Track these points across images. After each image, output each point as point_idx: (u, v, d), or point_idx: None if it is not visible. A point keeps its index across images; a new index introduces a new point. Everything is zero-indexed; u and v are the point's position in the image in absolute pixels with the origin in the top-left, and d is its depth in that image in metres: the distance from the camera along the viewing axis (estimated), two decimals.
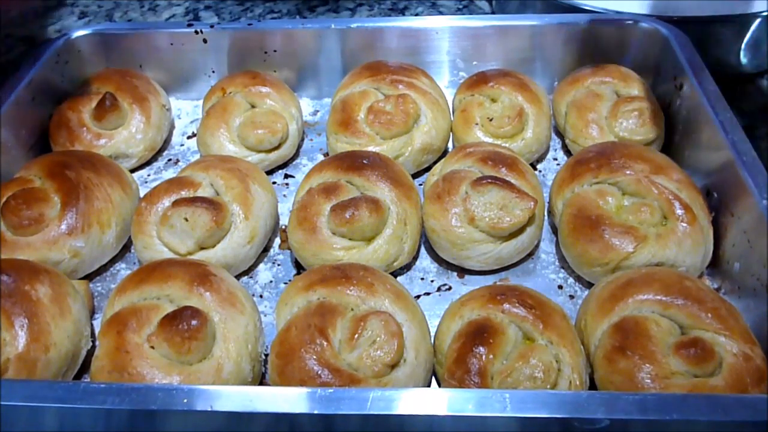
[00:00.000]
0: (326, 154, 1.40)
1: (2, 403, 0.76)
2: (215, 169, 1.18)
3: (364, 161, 1.17)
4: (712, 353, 0.86)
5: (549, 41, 1.46)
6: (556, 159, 1.39)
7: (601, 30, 1.43)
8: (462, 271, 1.16)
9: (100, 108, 1.33)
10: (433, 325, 1.01)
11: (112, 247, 1.17)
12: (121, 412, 0.76)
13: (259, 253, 1.17)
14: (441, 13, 1.93)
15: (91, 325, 1.04)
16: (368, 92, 1.35)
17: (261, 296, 1.14)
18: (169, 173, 1.38)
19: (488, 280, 1.14)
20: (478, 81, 1.36)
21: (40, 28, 1.86)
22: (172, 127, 1.50)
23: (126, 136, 1.35)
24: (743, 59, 1.52)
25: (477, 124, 1.30)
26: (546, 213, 1.22)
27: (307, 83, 1.55)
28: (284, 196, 1.33)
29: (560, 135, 1.41)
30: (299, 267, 1.18)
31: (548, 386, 0.86)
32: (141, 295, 0.97)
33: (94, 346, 1.00)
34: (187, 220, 1.08)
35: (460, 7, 1.96)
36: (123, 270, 1.19)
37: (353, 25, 1.47)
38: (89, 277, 1.16)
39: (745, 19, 1.45)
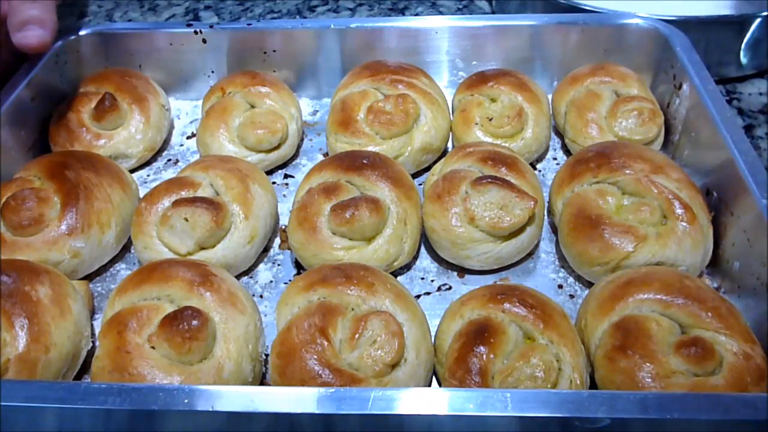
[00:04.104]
0: (326, 154, 1.40)
1: (3, 403, 0.76)
2: (215, 169, 1.18)
3: (364, 161, 1.17)
4: (713, 352, 0.87)
5: (549, 41, 1.46)
6: (555, 159, 1.39)
7: (600, 30, 1.44)
8: (462, 271, 1.16)
9: (99, 108, 1.33)
10: (433, 324, 1.01)
11: (112, 248, 1.17)
12: (122, 413, 0.76)
13: (259, 253, 1.17)
14: (441, 13, 1.93)
15: (92, 325, 1.04)
16: (368, 92, 1.35)
17: (261, 296, 1.14)
18: (169, 173, 1.38)
19: (488, 280, 1.14)
20: (478, 81, 1.37)
21: None
22: (171, 127, 1.50)
23: (125, 136, 1.35)
24: (743, 59, 1.52)
25: (477, 123, 1.30)
26: (546, 212, 1.22)
27: (307, 83, 1.55)
28: (284, 196, 1.33)
29: (560, 135, 1.41)
30: (299, 267, 1.18)
31: (549, 385, 0.86)
32: (141, 295, 0.97)
33: (94, 347, 1.00)
34: (187, 220, 1.08)
35: (460, 7, 1.96)
36: (123, 270, 1.19)
37: (353, 25, 1.47)
38: (89, 278, 1.16)
39: (745, 19, 1.45)
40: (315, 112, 1.54)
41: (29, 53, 1.26)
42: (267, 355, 1.00)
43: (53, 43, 1.23)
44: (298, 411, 0.75)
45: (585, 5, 1.52)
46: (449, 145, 1.38)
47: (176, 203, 1.10)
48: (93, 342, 1.01)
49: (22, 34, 1.18)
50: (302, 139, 1.46)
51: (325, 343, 0.90)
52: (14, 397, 0.77)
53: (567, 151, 1.38)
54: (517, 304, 0.94)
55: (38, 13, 1.18)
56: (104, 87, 1.39)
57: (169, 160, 1.43)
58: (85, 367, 1.00)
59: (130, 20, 1.94)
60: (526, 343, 0.92)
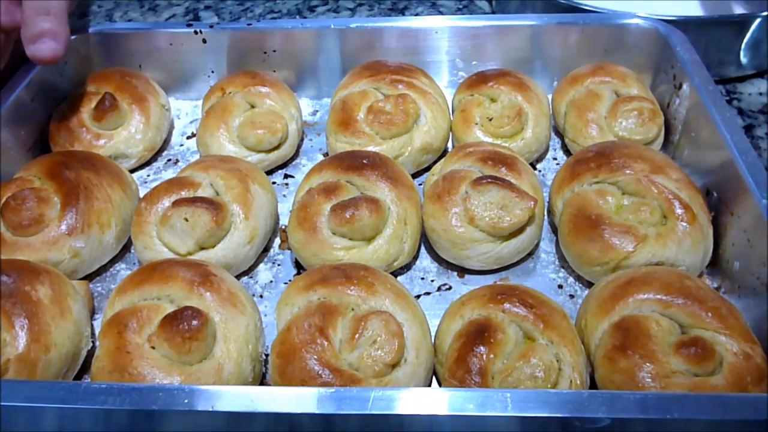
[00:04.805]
0: (326, 154, 1.40)
1: (3, 403, 0.76)
2: (215, 169, 1.18)
3: (364, 161, 1.17)
4: (713, 352, 0.87)
5: (549, 41, 1.46)
6: (555, 159, 1.39)
7: (600, 30, 1.44)
8: (462, 271, 1.16)
9: (99, 108, 1.33)
10: (433, 324, 1.01)
11: (112, 248, 1.17)
12: (122, 413, 0.76)
13: (259, 253, 1.17)
14: (441, 13, 1.93)
15: (92, 325, 1.04)
16: (368, 92, 1.35)
17: (261, 296, 1.14)
18: (169, 173, 1.38)
19: (488, 280, 1.14)
20: (478, 81, 1.37)
21: None
22: (171, 127, 1.50)
23: (125, 136, 1.35)
24: (743, 59, 1.52)
25: (476, 123, 1.30)
26: (546, 212, 1.22)
27: (307, 83, 1.55)
28: (284, 196, 1.33)
29: (560, 135, 1.41)
30: (299, 267, 1.18)
31: (549, 385, 0.86)
32: (141, 295, 0.97)
33: (94, 347, 1.00)
34: (187, 220, 1.08)
35: (460, 7, 1.96)
36: (123, 270, 1.19)
37: (353, 25, 1.47)
38: (89, 278, 1.16)
39: (745, 19, 1.45)
40: (315, 112, 1.54)
41: (42, 65, 1.27)
42: (267, 355, 1.00)
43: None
44: (298, 411, 0.75)
45: (585, 5, 1.52)
46: (449, 145, 1.38)
47: (176, 203, 1.10)
48: (93, 342, 1.01)
49: (36, 47, 1.19)
50: (302, 139, 1.46)
51: (325, 343, 0.90)
52: (14, 397, 0.77)
53: (567, 151, 1.38)
54: (517, 304, 0.94)
55: (52, 26, 1.20)
56: (104, 87, 1.39)
57: (169, 160, 1.43)
58: (85, 367, 1.00)
59: (130, 20, 1.94)
60: (526, 343, 0.92)
